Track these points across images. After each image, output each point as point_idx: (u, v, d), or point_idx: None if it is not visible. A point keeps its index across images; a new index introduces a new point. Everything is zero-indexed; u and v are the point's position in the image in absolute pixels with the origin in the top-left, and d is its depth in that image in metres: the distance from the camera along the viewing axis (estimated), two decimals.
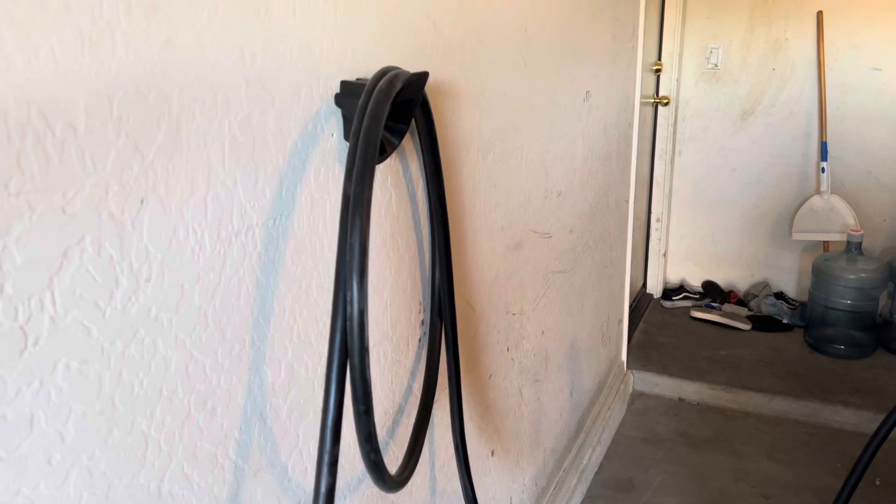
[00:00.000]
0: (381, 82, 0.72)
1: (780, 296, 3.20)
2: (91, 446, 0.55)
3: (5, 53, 0.46)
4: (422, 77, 0.79)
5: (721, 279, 3.40)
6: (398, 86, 0.73)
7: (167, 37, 0.57)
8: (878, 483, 2.09)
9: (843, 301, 2.73)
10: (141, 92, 0.55)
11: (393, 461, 1.00)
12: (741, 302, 3.23)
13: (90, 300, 0.53)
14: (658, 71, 3.20)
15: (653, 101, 3.18)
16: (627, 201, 2.45)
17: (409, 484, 1.06)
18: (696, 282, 3.44)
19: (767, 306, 3.09)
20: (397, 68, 0.79)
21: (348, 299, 0.64)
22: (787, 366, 2.69)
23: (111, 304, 0.55)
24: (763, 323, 3.01)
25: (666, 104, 3.21)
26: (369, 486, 0.94)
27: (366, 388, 0.66)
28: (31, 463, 0.50)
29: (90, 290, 0.53)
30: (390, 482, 0.76)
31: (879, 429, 1.19)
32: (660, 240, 3.39)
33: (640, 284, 3.38)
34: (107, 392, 0.56)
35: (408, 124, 0.83)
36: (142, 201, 0.57)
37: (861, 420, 2.37)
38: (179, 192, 0.60)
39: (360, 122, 0.69)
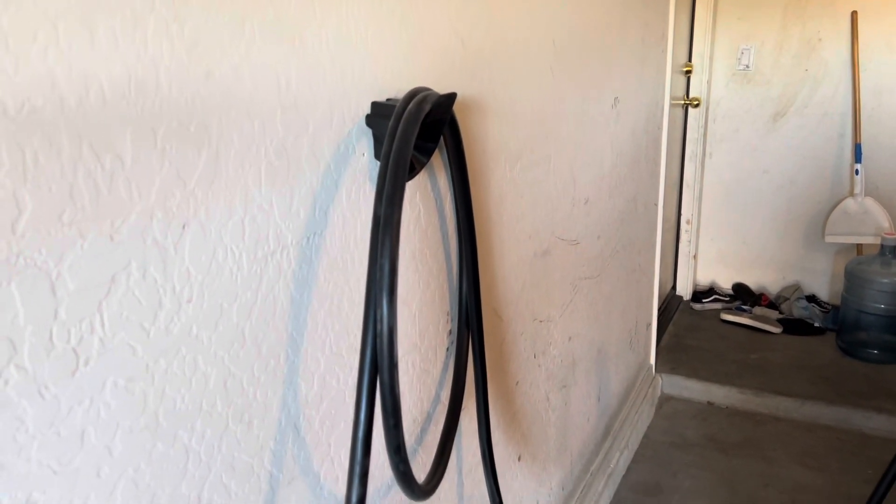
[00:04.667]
0: (411, 105, 0.75)
1: (811, 299, 3.17)
2: (136, 459, 0.58)
3: (59, 91, 0.49)
4: (450, 98, 0.81)
5: (752, 282, 3.37)
6: (427, 108, 0.75)
7: (207, 69, 0.60)
8: None
9: (877, 305, 2.69)
10: (183, 123, 0.58)
11: (421, 468, 1.02)
12: (772, 305, 3.20)
13: (136, 321, 0.56)
14: (688, 72, 3.19)
15: (683, 102, 3.16)
16: (657, 205, 2.45)
17: (437, 490, 1.09)
18: (726, 284, 3.42)
19: (799, 309, 3.06)
20: (427, 90, 0.82)
21: (378, 317, 0.67)
22: (819, 370, 2.67)
23: (155, 325, 0.58)
24: (794, 326, 2.98)
25: (696, 106, 3.19)
26: (398, 492, 0.97)
27: (395, 402, 0.68)
28: (83, 476, 0.54)
29: (136, 312, 0.56)
30: (418, 491, 0.79)
31: None
32: (690, 242, 3.37)
33: (669, 287, 3.36)
34: (151, 408, 0.59)
35: (436, 143, 0.85)
36: (183, 226, 0.60)
37: (894, 426, 2.34)
38: (219, 216, 0.63)
39: (391, 146, 0.72)
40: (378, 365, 0.68)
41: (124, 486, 0.57)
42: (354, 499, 0.69)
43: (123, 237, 0.54)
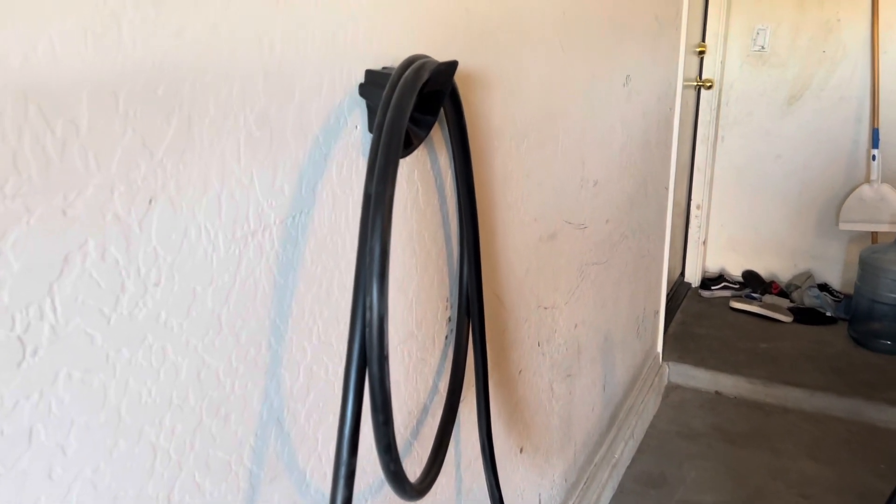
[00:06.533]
0: (407, 73, 0.68)
1: (823, 287, 3.10)
2: (95, 458, 0.52)
3: (0, 48, 0.43)
4: (450, 66, 0.75)
5: (762, 269, 3.30)
6: (424, 76, 0.69)
7: (179, 26, 0.54)
8: None
9: (891, 295, 2.62)
10: (150, 85, 0.52)
11: (416, 463, 0.97)
12: (783, 293, 3.13)
13: (94, 307, 0.50)
14: (702, 53, 3.10)
15: (695, 84, 3.08)
16: (667, 189, 2.37)
17: (434, 486, 1.03)
18: (736, 271, 3.35)
19: (810, 298, 2.99)
20: (425, 57, 0.75)
21: (367, 304, 0.61)
22: (830, 361, 2.61)
23: (117, 311, 0.52)
24: (805, 315, 2.91)
25: (709, 87, 3.11)
26: (390, 490, 0.92)
27: (385, 397, 0.63)
28: (31, 478, 0.48)
29: (94, 296, 0.50)
30: (411, 491, 0.73)
31: None
32: (699, 227, 3.30)
33: (678, 273, 3.30)
34: (112, 402, 0.53)
35: (436, 115, 0.79)
36: (150, 201, 0.54)
37: None
38: (191, 190, 0.57)
39: (384, 116, 0.65)
40: (367, 356, 0.62)
41: (81, 487, 0.52)
42: (339, 501, 0.63)
43: (78, 212, 0.48)
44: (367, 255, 0.61)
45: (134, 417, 0.55)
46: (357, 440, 0.64)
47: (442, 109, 0.85)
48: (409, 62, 0.72)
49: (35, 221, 0.46)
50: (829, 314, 2.92)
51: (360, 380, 0.63)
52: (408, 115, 0.65)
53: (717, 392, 2.53)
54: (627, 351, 2.12)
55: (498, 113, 1.06)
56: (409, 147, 0.79)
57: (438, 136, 0.91)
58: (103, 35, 0.48)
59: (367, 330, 0.61)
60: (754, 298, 3.08)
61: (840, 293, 3.08)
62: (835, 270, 3.17)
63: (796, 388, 2.42)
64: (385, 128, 0.64)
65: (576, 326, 1.58)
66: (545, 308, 1.38)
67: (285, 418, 0.71)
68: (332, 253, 0.74)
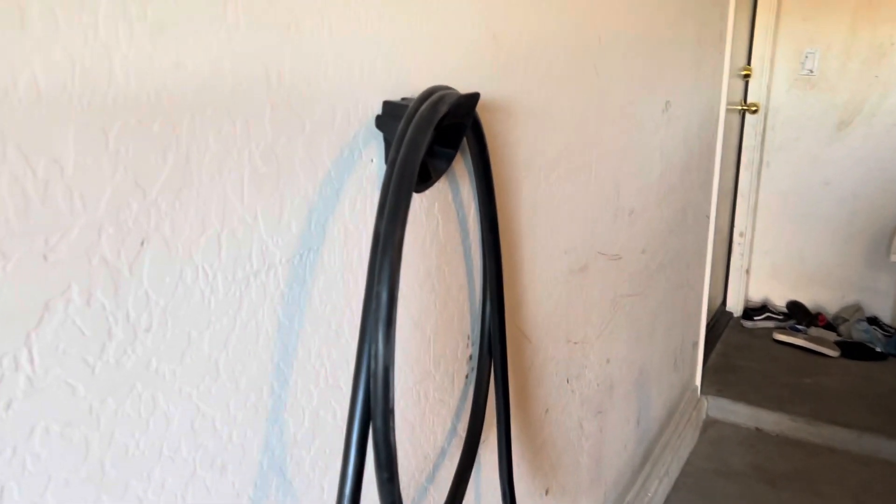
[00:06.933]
0: (423, 107, 0.65)
1: (873, 321, 2.96)
2: None
3: None
4: (471, 99, 0.71)
5: (808, 300, 3.18)
6: (442, 110, 0.65)
7: (176, 59, 0.51)
8: None
9: None
10: (144, 121, 0.49)
11: None
12: (830, 326, 3.01)
13: (76, 356, 0.47)
14: (747, 76, 3.02)
15: (740, 108, 3.00)
16: (708, 217, 2.30)
17: None
18: (780, 302, 3.23)
19: (859, 332, 2.87)
20: (446, 88, 0.72)
21: (372, 353, 0.57)
22: (880, 399, 2.48)
23: (102, 359, 0.49)
24: (853, 350, 2.79)
25: (754, 112, 3.02)
26: None
27: (389, 453, 0.59)
28: None
29: (77, 344, 0.47)
30: None
31: None
32: (742, 255, 3.20)
33: (718, 302, 3.20)
34: (95, 455, 0.50)
35: (456, 148, 0.75)
36: (142, 243, 0.51)
37: None
38: (188, 230, 0.54)
39: (397, 152, 0.62)
40: (371, 409, 0.58)
41: None
42: None
43: (61, 256, 0.46)
44: (374, 301, 0.57)
45: (119, 471, 0.52)
46: (359, 498, 0.60)
47: (465, 140, 0.81)
48: (428, 94, 0.68)
49: (11, 267, 0.43)
50: (878, 349, 2.79)
51: (364, 434, 0.59)
52: (422, 152, 0.61)
53: (757, 428, 2.42)
54: (663, 384, 2.04)
55: (526, 143, 1.02)
56: (427, 181, 0.76)
57: (461, 167, 0.88)
58: (93, 69, 0.46)
59: (372, 381, 0.57)
60: (799, 330, 2.96)
61: (891, 327, 2.94)
62: (885, 303, 3.03)
63: (843, 428, 2.30)
64: (397, 165, 0.60)
65: (608, 361, 1.52)
66: (575, 343, 1.32)
67: (288, 466, 0.68)
68: (343, 291, 0.71)
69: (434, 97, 0.67)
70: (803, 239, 3.13)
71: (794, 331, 2.96)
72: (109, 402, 0.50)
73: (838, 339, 2.89)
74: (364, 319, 0.60)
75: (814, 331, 2.95)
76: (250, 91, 0.57)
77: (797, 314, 3.08)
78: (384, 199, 0.60)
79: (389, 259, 0.57)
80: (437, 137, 0.74)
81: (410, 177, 0.60)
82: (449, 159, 0.76)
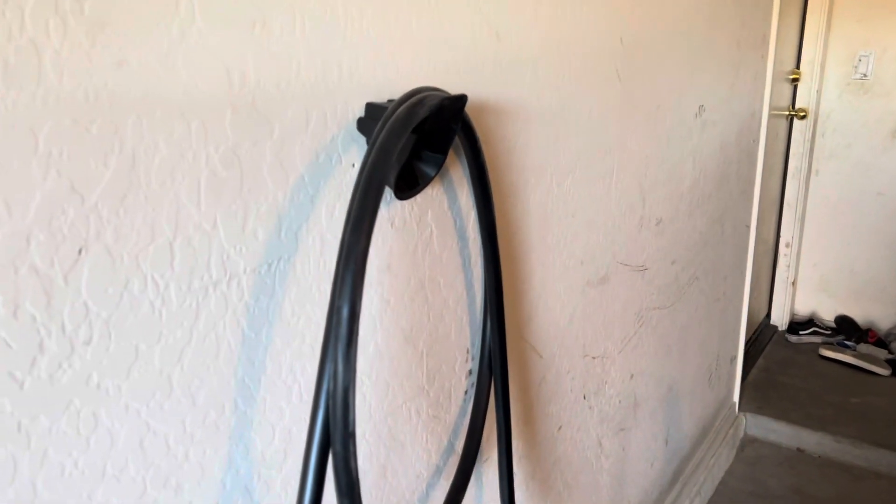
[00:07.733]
0: (400, 109, 0.61)
1: None
2: None
3: None
4: (458, 101, 0.67)
5: (858, 315, 3.03)
6: (422, 113, 0.61)
7: (120, 57, 0.48)
8: None
9: None
10: (79, 122, 0.46)
11: None
12: (881, 343, 2.86)
13: (1, 370, 0.45)
14: (795, 80, 2.89)
15: (787, 113, 2.88)
16: (748, 227, 2.20)
17: None
18: (828, 316, 3.09)
19: None
20: (431, 90, 0.67)
21: (331, 373, 0.53)
22: None
23: (32, 374, 0.46)
24: None
25: (803, 117, 2.90)
26: None
27: (350, 478, 0.54)
28: None
29: (2, 358, 0.45)
30: None
31: None
32: (788, 267, 3.07)
33: (762, 315, 3.07)
34: (25, 476, 0.47)
35: (445, 153, 0.71)
36: (80, 251, 0.48)
37: None
38: (135, 238, 0.51)
39: (367, 158, 0.58)
40: (330, 433, 0.54)
41: None
42: None
43: None
44: (334, 317, 0.53)
45: (53, 492, 0.49)
46: None
47: (460, 145, 0.77)
48: (409, 96, 0.64)
49: None
50: None
51: (322, 459, 0.55)
52: (393, 156, 0.57)
53: (798, 449, 2.31)
54: (696, 401, 1.96)
55: (535, 147, 0.97)
56: (414, 188, 0.72)
57: (459, 174, 0.83)
58: (18, 67, 0.43)
59: (331, 403, 0.53)
60: (847, 347, 2.82)
61: None
62: None
63: (891, 451, 2.18)
64: (365, 171, 0.56)
65: (632, 377, 1.45)
66: (593, 358, 1.26)
67: (255, 487, 0.64)
68: (320, 303, 0.67)
69: (414, 99, 0.62)
70: (854, 251, 2.99)
71: (842, 347, 2.82)
72: (41, 420, 0.47)
73: (889, 357, 2.75)
74: (325, 337, 0.56)
75: (863, 347, 2.80)
76: (208, 92, 0.54)
77: (846, 329, 2.94)
78: (350, 208, 0.56)
79: (352, 272, 0.54)
80: (424, 141, 0.70)
81: (378, 184, 0.56)
82: (438, 164, 0.71)
